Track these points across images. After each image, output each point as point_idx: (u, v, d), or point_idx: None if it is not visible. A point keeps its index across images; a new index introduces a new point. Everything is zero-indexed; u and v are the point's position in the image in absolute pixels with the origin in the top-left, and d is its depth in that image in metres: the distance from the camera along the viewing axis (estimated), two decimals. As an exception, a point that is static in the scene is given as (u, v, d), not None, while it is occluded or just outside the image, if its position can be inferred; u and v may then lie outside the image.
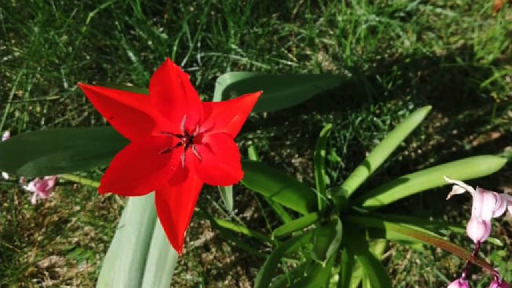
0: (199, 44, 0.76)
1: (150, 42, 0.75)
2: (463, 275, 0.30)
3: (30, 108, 0.73)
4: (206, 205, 0.72)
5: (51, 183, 0.58)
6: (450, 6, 0.82)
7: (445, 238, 0.39)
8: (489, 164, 0.50)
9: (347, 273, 0.57)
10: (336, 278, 0.64)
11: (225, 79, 0.56)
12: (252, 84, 0.58)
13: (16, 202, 0.72)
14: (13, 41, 0.74)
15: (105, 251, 0.70)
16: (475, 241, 0.31)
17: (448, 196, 0.32)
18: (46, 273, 0.70)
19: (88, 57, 0.76)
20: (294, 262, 0.69)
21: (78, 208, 0.72)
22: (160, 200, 0.34)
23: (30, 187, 0.57)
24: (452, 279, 0.69)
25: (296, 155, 0.75)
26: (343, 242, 0.56)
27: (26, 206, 0.72)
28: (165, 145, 0.36)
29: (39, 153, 0.43)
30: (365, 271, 0.53)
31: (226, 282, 0.70)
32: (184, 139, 0.35)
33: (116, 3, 0.74)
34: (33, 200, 0.57)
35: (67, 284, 0.70)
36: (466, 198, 0.72)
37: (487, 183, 0.73)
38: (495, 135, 0.76)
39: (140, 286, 0.50)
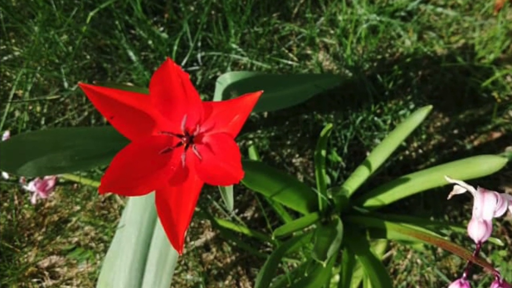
0: (199, 44, 0.76)
1: (150, 42, 0.75)
2: (464, 275, 0.30)
3: (30, 107, 0.73)
4: (206, 205, 0.72)
5: (51, 183, 0.58)
6: (451, 6, 0.82)
7: (446, 238, 0.39)
8: (490, 164, 0.50)
9: (348, 273, 0.57)
10: (336, 278, 0.64)
11: (226, 79, 0.56)
12: (253, 84, 0.58)
13: (16, 202, 0.72)
14: (13, 41, 0.74)
15: (105, 251, 0.69)
16: (476, 241, 0.31)
17: (449, 196, 0.32)
18: (46, 273, 0.70)
19: (88, 57, 0.76)
20: (294, 262, 0.69)
21: (78, 208, 0.72)
22: (160, 200, 0.34)
23: (30, 187, 0.57)
24: (453, 279, 0.69)
25: (297, 155, 0.75)
26: (344, 242, 0.56)
27: (26, 206, 0.72)
28: (166, 145, 0.36)
29: (39, 152, 0.43)
30: (366, 271, 0.53)
31: (227, 282, 0.70)
32: (185, 138, 0.35)
33: (116, 2, 0.73)
34: (33, 200, 0.57)
35: (67, 284, 0.70)
36: (467, 198, 0.72)
37: (488, 183, 0.73)
38: (496, 134, 0.75)
39: (141, 286, 0.50)
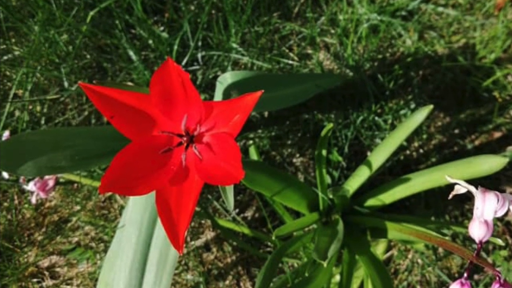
0: (199, 43, 0.76)
1: (150, 41, 0.75)
2: (465, 275, 0.30)
3: (30, 107, 0.73)
4: (207, 205, 0.71)
5: (51, 183, 0.58)
6: (452, 5, 0.82)
7: (447, 238, 0.39)
8: (491, 163, 0.50)
9: (349, 273, 0.57)
10: (337, 278, 0.64)
11: (226, 78, 0.56)
12: (253, 83, 0.58)
13: (16, 201, 0.72)
14: (13, 40, 0.74)
15: (105, 251, 0.69)
16: (477, 241, 0.30)
17: (450, 196, 0.32)
18: (46, 273, 0.70)
19: (88, 56, 0.76)
20: (295, 262, 0.69)
21: (78, 207, 0.72)
22: (160, 200, 0.34)
23: (30, 186, 0.57)
24: (454, 279, 0.69)
25: (297, 155, 0.75)
26: (345, 242, 0.56)
27: (26, 205, 0.72)
28: (166, 145, 0.36)
29: (39, 152, 0.43)
30: (367, 271, 0.53)
31: (227, 282, 0.70)
32: (185, 138, 0.35)
33: (116, 2, 0.73)
34: (33, 200, 0.57)
35: (67, 284, 0.70)
36: (468, 197, 0.72)
37: (489, 182, 0.73)
38: (497, 134, 0.75)
39: (141, 286, 0.50)
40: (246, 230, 0.67)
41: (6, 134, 0.56)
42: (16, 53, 0.73)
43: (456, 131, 0.76)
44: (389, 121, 0.74)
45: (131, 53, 0.73)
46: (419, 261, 0.70)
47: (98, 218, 0.71)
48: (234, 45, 0.75)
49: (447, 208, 0.73)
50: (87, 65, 0.76)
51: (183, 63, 0.74)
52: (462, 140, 0.75)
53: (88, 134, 0.49)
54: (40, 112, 0.73)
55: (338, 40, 0.78)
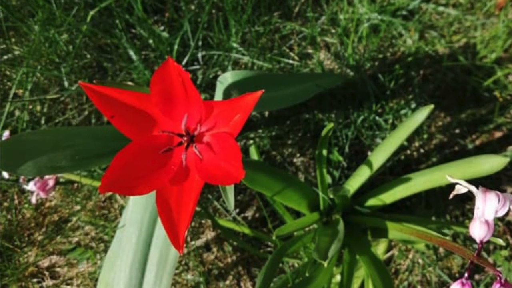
0: (200, 43, 0.76)
1: (151, 41, 0.75)
2: (466, 275, 0.29)
3: (30, 107, 0.73)
4: (207, 205, 0.71)
5: (51, 183, 0.58)
6: (453, 5, 0.82)
7: (447, 238, 0.38)
8: (491, 163, 0.50)
9: (349, 273, 0.57)
10: (338, 278, 0.64)
11: (226, 78, 0.56)
12: (254, 83, 0.57)
13: (16, 201, 0.72)
14: (13, 40, 0.74)
15: (105, 251, 0.69)
16: (477, 240, 0.30)
17: (451, 196, 0.32)
18: (46, 273, 0.70)
19: (88, 56, 0.76)
20: (295, 262, 0.69)
21: (78, 207, 0.72)
22: (161, 200, 0.34)
23: (30, 186, 0.57)
24: (454, 279, 0.69)
25: (298, 155, 0.75)
26: (345, 242, 0.56)
27: (26, 205, 0.72)
28: (166, 144, 0.36)
29: (39, 152, 0.43)
30: (367, 271, 0.53)
31: (228, 282, 0.70)
32: (185, 138, 0.35)
33: (116, 1, 0.73)
34: (33, 200, 0.57)
35: (67, 284, 0.70)
36: (468, 197, 0.72)
37: (489, 182, 0.73)
38: (498, 134, 0.75)
39: (141, 286, 0.50)
40: (246, 230, 0.67)
41: (6, 134, 0.56)
42: (16, 52, 0.73)
43: (457, 130, 0.76)
44: (390, 121, 0.74)
45: (131, 52, 0.73)
46: (420, 261, 0.70)
47: (98, 218, 0.71)
48: (235, 45, 0.75)
49: (448, 208, 0.72)
50: (87, 65, 0.76)
51: (184, 62, 0.74)
52: (463, 139, 0.75)
53: (88, 134, 0.49)
54: (40, 111, 0.73)
55: (339, 39, 0.78)
